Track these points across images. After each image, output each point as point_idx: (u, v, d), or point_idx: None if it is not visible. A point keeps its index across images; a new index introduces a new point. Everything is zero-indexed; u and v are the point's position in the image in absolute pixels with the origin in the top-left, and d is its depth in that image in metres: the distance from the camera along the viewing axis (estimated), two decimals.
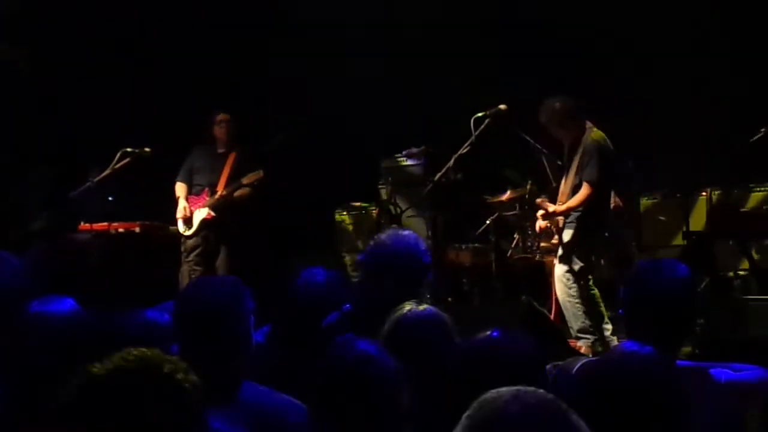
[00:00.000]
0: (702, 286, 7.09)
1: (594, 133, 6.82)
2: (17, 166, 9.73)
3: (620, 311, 3.36)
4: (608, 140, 6.86)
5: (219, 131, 8.51)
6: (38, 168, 9.69)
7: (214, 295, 3.05)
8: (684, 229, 8.03)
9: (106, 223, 8.43)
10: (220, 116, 8.53)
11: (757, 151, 7.29)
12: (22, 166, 9.74)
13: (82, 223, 8.49)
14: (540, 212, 6.97)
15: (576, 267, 6.76)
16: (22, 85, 9.78)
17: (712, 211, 8.13)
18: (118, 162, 7.90)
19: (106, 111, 9.67)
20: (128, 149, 7.94)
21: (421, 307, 3.23)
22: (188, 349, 2.93)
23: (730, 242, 7.83)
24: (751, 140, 7.22)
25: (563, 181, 6.97)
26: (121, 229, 8.56)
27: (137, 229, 8.62)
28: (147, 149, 8.02)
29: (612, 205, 7.15)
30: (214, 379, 2.86)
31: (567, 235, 6.82)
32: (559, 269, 6.83)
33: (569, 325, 6.81)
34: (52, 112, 9.72)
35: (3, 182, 9.61)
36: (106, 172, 7.91)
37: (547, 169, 7.60)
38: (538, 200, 7.01)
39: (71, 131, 9.67)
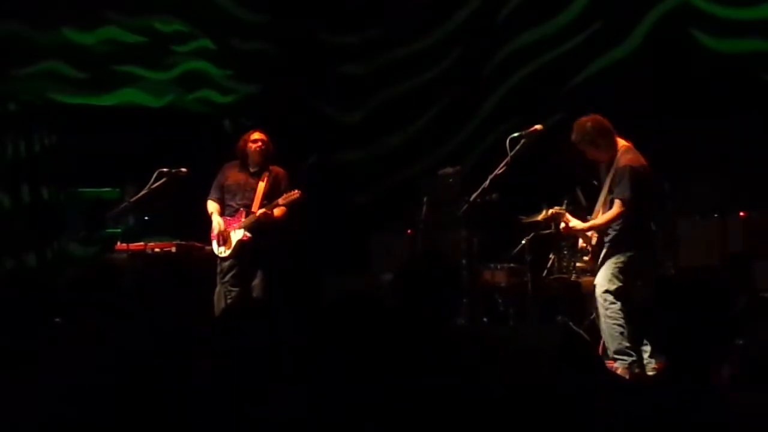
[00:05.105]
0: (741, 306, 7.00)
1: (626, 152, 6.77)
2: (56, 186, 9.82)
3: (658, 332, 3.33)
4: (641, 156, 6.79)
5: (253, 150, 8.21)
6: (75, 188, 9.75)
7: None
8: (722, 249, 7.94)
9: (142, 243, 8.46)
10: (256, 134, 8.26)
11: None
12: (60, 186, 9.83)
13: (118, 243, 8.55)
14: (561, 226, 6.97)
15: (613, 287, 6.70)
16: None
17: (751, 231, 8.05)
18: (154, 182, 7.96)
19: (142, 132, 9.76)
20: (164, 169, 8.00)
21: None
22: None
23: None
24: None
25: (599, 200, 6.91)
26: (157, 249, 8.59)
27: (173, 249, 8.63)
28: (183, 169, 8.06)
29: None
30: None
31: (605, 254, 6.78)
32: (597, 289, 6.78)
33: (606, 345, 6.74)
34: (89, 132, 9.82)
35: (40, 202, 9.70)
36: (143, 192, 7.98)
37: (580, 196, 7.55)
38: (556, 209, 6.99)
39: (109, 151, 9.76)
